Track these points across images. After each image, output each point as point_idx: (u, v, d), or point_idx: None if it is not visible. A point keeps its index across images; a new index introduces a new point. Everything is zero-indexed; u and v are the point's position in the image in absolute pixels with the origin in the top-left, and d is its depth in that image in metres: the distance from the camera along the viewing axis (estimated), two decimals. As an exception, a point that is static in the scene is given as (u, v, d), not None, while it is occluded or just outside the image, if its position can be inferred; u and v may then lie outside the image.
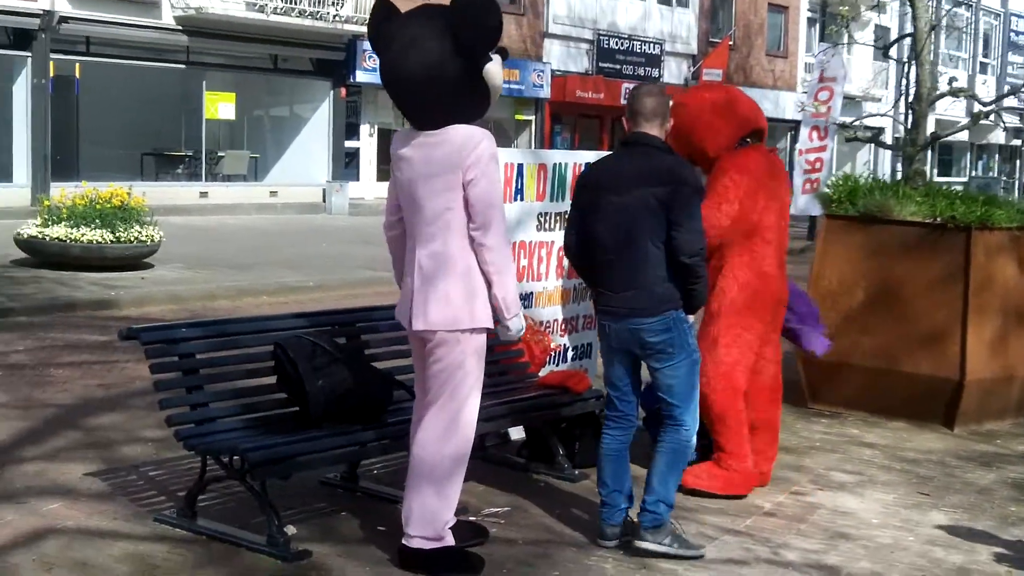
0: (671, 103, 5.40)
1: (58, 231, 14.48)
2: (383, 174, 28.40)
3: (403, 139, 4.90)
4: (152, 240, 15.01)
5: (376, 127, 28.83)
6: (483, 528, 5.41)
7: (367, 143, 28.99)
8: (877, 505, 6.31)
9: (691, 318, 5.32)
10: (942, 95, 9.82)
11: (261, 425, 5.36)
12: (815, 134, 23.49)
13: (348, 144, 28.19)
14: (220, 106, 25.96)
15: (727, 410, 6.19)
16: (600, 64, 33.80)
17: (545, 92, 32.25)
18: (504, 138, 31.95)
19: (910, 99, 9.32)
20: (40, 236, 14.56)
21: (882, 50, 10.45)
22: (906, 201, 8.29)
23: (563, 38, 32.94)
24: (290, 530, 5.25)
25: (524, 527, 5.60)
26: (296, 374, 5.36)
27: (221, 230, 21.75)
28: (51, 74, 22.16)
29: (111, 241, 14.51)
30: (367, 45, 27.35)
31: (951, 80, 9.15)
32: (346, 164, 28.19)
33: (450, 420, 4.83)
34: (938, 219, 8.13)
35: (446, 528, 4.89)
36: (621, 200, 5.14)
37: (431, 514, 4.84)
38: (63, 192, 15.76)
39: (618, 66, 34.29)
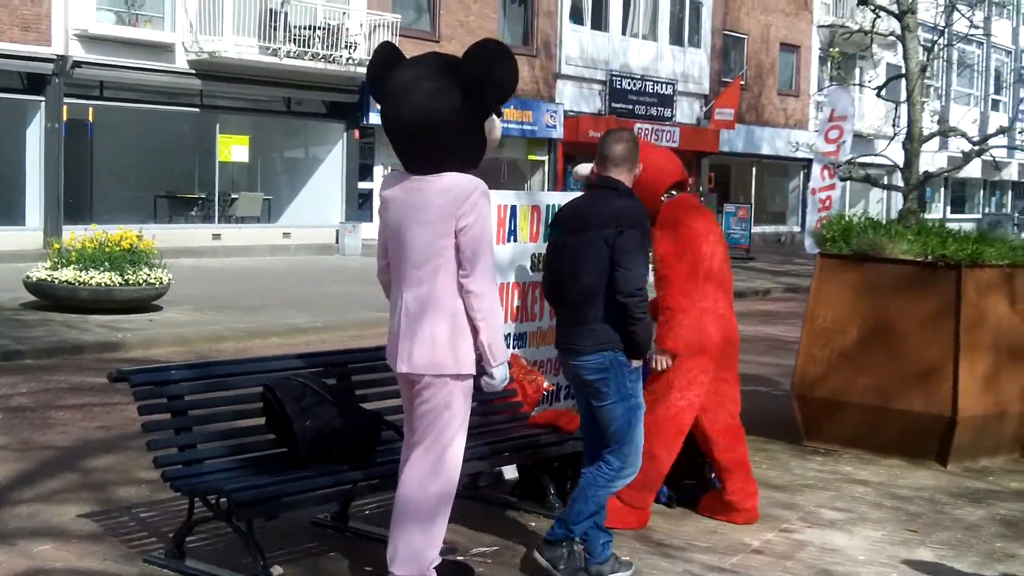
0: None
1: (67, 274, 14.64)
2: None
3: (393, 181, 5.00)
4: (161, 282, 15.14)
5: (390, 168, 28.97)
6: (469, 568, 5.46)
7: (380, 184, 29.17)
8: (865, 542, 6.34)
9: (635, 363, 5.37)
10: (933, 134, 9.89)
11: (249, 466, 5.44)
12: (826, 172, 23.60)
13: (361, 185, 28.37)
14: (234, 148, 26.18)
15: (662, 450, 6.32)
16: (612, 104, 33.97)
17: (558, 132, 32.43)
18: (518, 178, 32.16)
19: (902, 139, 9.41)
20: (49, 279, 14.72)
21: (875, 91, 10.53)
22: (898, 239, 8.35)
23: (576, 79, 33.14)
24: (276, 570, 5.34)
25: (510, 566, 5.65)
26: (284, 415, 5.45)
27: (233, 272, 21.90)
28: (64, 118, 22.39)
29: (120, 284, 14.66)
30: (379, 88, 27.61)
31: (939, 119, 9.20)
32: (359, 205, 28.36)
33: (436, 460, 4.90)
34: (929, 257, 8.18)
35: (431, 568, 4.94)
36: (576, 239, 5.34)
37: (416, 553, 4.89)
38: (72, 235, 15.91)
39: (630, 106, 34.47)
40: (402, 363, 4.89)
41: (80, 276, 14.61)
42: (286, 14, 25.20)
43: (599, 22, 33.94)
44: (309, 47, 25.36)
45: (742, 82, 38.22)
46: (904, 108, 9.34)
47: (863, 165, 9.44)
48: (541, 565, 5.39)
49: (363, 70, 26.22)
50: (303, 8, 25.78)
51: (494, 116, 4.92)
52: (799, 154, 14.62)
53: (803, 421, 8.63)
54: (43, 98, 22.20)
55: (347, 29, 26.26)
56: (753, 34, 39.97)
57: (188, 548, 5.52)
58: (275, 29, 24.79)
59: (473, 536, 6.09)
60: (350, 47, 26.13)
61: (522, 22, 32.14)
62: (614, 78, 33.96)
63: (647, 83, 35.03)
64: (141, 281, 14.88)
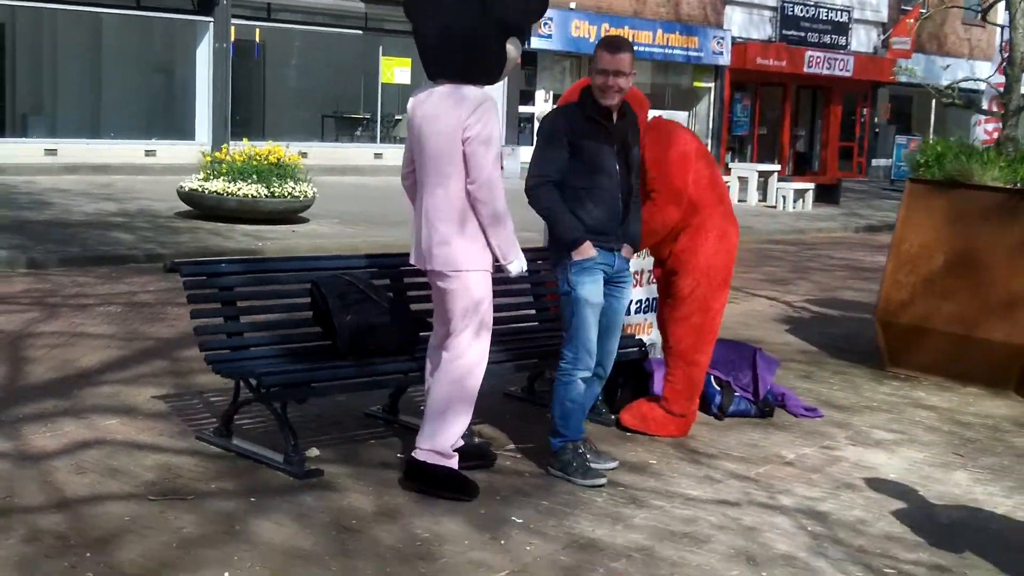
0: None
1: (217, 185, 15.37)
2: (556, 139, 28.68)
3: (420, 91, 5.27)
4: (305, 196, 15.75)
5: (552, 93, 29.16)
6: (491, 453, 5.77)
7: (543, 109, 29.37)
8: (904, 462, 6.37)
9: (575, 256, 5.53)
10: (1036, 59, 9.57)
11: (291, 355, 5.80)
12: (994, 104, 22.81)
13: (522, 110, 28.60)
14: (396, 71, 26.71)
15: (704, 356, 6.64)
16: (784, 31, 33.30)
17: (725, 59, 32.00)
18: (683, 106, 31.89)
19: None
20: (200, 189, 15.48)
21: (979, 14, 10.20)
22: (989, 166, 8.19)
23: (745, 5, 32.58)
24: (312, 452, 5.72)
25: (538, 462, 5.88)
26: (327, 309, 5.79)
27: (388, 190, 22.37)
28: (232, 38, 23.22)
29: (265, 196, 15.33)
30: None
31: None
32: (520, 129, 28.63)
33: (455, 352, 5.21)
34: (1018, 185, 8.02)
35: (450, 448, 5.27)
36: None
37: (437, 432, 5.25)
38: (225, 149, 16.63)
39: (803, 33, 33.72)
40: (421, 261, 5.23)
41: (229, 187, 15.32)
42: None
43: (773, -53, 33.24)
44: (471, -30, 25.57)
45: (922, 11, 36.91)
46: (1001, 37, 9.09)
47: (941, 91, 9.23)
48: (556, 477, 5.65)
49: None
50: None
51: (514, 39, 5.15)
52: (902, 78, 13.92)
53: (886, 347, 8.60)
54: (212, 19, 23.05)
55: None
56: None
57: (239, 428, 5.97)
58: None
59: (517, 433, 6.37)
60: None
61: (692, -53, 31.72)
62: (786, 4, 33.24)
63: (821, 9, 34.19)
64: (286, 194, 15.51)
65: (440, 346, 5.36)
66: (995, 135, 23.52)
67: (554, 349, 5.97)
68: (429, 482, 5.26)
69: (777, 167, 26.40)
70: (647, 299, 7.53)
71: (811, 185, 24.86)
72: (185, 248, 12.94)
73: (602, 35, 28.48)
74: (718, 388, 6.99)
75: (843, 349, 9.27)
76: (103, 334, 8.37)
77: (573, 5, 28.37)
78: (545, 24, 27.59)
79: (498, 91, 27.68)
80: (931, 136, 37.02)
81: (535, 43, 27.60)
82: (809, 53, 33.07)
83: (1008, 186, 8.07)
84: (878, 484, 5.94)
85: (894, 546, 5.09)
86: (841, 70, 33.63)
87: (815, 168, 36.10)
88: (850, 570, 4.79)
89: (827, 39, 34.41)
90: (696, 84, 32.33)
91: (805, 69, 33.11)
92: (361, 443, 6.06)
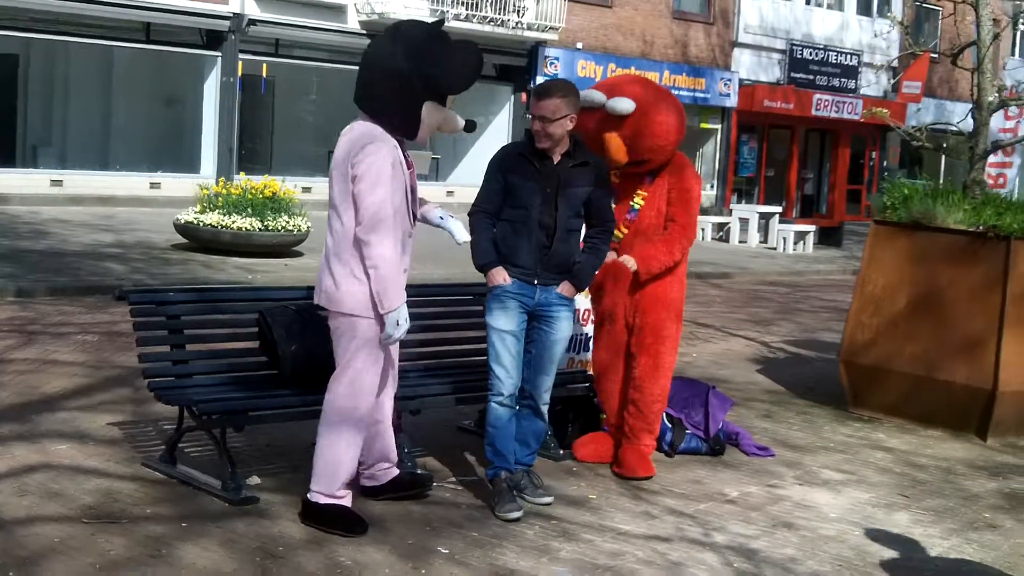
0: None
1: (212, 218, 15.51)
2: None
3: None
4: (299, 230, 15.88)
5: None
6: (424, 483, 5.82)
7: (548, 148, 29.55)
8: (847, 502, 6.40)
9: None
10: (1002, 104, 9.63)
11: (235, 383, 5.89)
12: (1000, 150, 22.89)
13: (529, 148, 28.75)
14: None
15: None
16: (792, 74, 33.42)
17: (732, 101, 32.13)
18: (689, 147, 32.00)
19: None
20: (195, 222, 15.63)
21: (950, 58, 10.32)
22: (953, 209, 8.25)
23: (754, 47, 32.75)
24: (253, 480, 5.82)
25: (479, 495, 5.94)
26: (272, 338, 5.88)
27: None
28: (239, 73, 23.47)
29: (259, 229, 15.45)
30: (549, 51, 27.97)
31: (1000, 88, 8.77)
32: (526, 167, 28.77)
33: (340, 384, 5.25)
34: (980, 227, 8.07)
35: (340, 490, 5.27)
36: None
37: (322, 475, 5.26)
38: (221, 182, 16.79)
39: (811, 76, 33.83)
40: (315, 294, 5.33)
41: (223, 220, 15.46)
42: (458, -23, 25.73)
43: (782, -9, 33.45)
44: (478, 10, 25.83)
45: (933, 55, 37.01)
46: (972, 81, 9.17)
47: (909, 133, 9.29)
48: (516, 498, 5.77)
49: (531, 34, 26.72)
50: (476, -29, 26.28)
51: (435, 108, 5.17)
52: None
53: (849, 387, 8.64)
54: (219, 53, 23.31)
55: (517, -8, 26.66)
56: (947, 7, 38.62)
57: (187, 456, 6.05)
58: (445, -8, 25.36)
59: (461, 466, 6.43)
60: (519, 11, 26.50)
61: (701, -11, 31.95)
62: (795, 47, 33.38)
63: (830, 53, 34.32)
64: (280, 227, 15.64)
65: (330, 381, 5.31)
66: (999, 180, 23.67)
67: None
68: (318, 520, 5.26)
69: (779, 208, 26.48)
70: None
71: (812, 227, 24.92)
72: (173, 279, 13.05)
73: (608, 75, 28.71)
74: (669, 425, 7.04)
75: (811, 389, 9.31)
76: (73, 362, 8.47)
77: (580, 45, 28.58)
78: (551, 64, 27.82)
79: (503, 130, 27.93)
80: (940, 177, 37.12)
81: (541, 82, 27.78)
82: (817, 96, 33.17)
83: (970, 229, 8.11)
84: (816, 524, 5.97)
85: (819, 584, 5.13)
86: (850, 113, 33.70)
87: (823, 211, 36.14)
88: (768, 606, 4.83)
89: (836, 82, 34.51)
90: (703, 125, 32.42)
91: (813, 112, 33.20)
92: (304, 472, 6.11)
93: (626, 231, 6.42)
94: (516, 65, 27.61)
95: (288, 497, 5.63)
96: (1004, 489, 6.92)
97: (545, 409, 6.00)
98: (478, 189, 5.94)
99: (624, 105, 6.23)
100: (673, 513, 5.93)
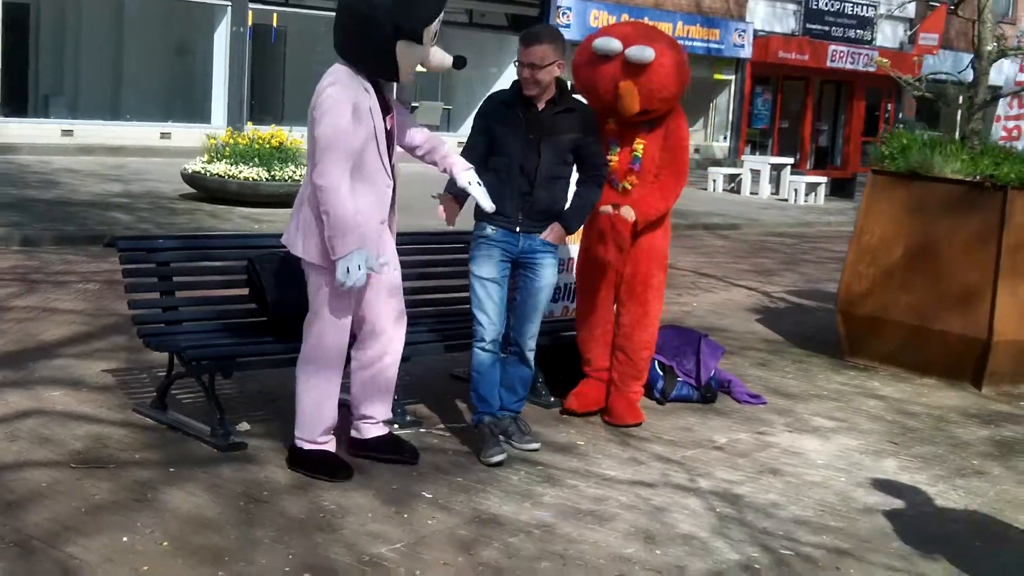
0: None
1: (219, 168, 15.54)
2: (574, 129, 28.75)
3: None
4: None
5: (570, 83, 29.14)
6: (411, 448, 5.70)
7: (560, 98, 29.44)
8: (835, 449, 6.43)
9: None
10: (1002, 54, 9.54)
11: (224, 331, 5.93)
12: (1015, 102, 22.71)
13: (541, 98, 28.64)
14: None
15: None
16: (807, 25, 33.17)
17: (746, 52, 31.93)
18: (702, 98, 31.84)
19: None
20: (202, 172, 15.67)
21: (951, 8, 10.22)
22: (951, 159, 8.21)
23: (769, -2, 32.51)
24: (243, 426, 5.87)
25: (466, 441, 5.98)
26: (261, 285, 5.91)
27: (405, 175, 22.61)
28: (249, 23, 23.40)
29: (266, 179, 15.48)
30: (561, 1, 27.78)
31: (999, 38, 8.65)
32: (537, 117, 28.67)
33: (305, 336, 5.28)
34: (976, 177, 8.04)
35: (321, 436, 5.32)
36: None
37: (302, 421, 5.31)
38: (229, 131, 16.79)
39: (827, 27, 33.58)
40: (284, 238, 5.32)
41: (230, 170, 15.49)
42: (470, -75, 25.57)
43: (799, -61, 33.12)
44: (490, -41, 25.69)
45: (950, 6, 36.64)
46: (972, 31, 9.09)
47: (909, 83, 9.19)
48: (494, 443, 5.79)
49: (544, -17, 26.50)
50: (488, -81, 26.08)
51: (414, 46, 5.09)
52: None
53: (846, 337, 8.65)
54: (229, 3, 23.23)
55: (530, -58, 26.47)
56: (968, -45, 38.20)
57: (178, 402, 6.11)
58: (458, -60, 25.22)
59: (450, 414, 6.48)
60: (533, -40, 26.34)
61: (716, -62, 31.65)
62: (811, -2, 33.13)
63: (846, 4, 34.02)
64: (287, 177, 15.65)
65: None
66: (1014, 132, 23.49)
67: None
68: (303, 466, 5.31)
69: (790, 160, 26.35)
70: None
71: (824, 179, 24.80)
72: (179, 230, 13.09)
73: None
74: (661, 373, 7.06)
75: (809, 338, 9.32)
76: (73, 310, 8.53)
77: (593, -6, 28.41)
78: (564, 13, 27.66)
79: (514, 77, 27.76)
80: (956, 130, 36.85)
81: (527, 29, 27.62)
82: (833, 47, 32.94)
83: (967, 179, 8.08)
84: (802, 470, 6.01)
85: (799, 529, 5.16)
86: (865, 65, 33.43)
87: (837, 163, 35.96)
88: (747, 550, 4.86)
89: (852, 34, 34.25)
90: (716, 76, 32.23)
91: (828, 63, 32.98)
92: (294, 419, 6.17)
93: (635, 181, 6.36)
94: (528, 15, 27.45)
95: (276, 443, 5.68)
96: (995, 437, 6.94)
97: (531, 355, 6.03)
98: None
99: (647, 54, 6.12)
100: (660, 459, 5.97)
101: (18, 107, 22.23)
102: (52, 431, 5.64)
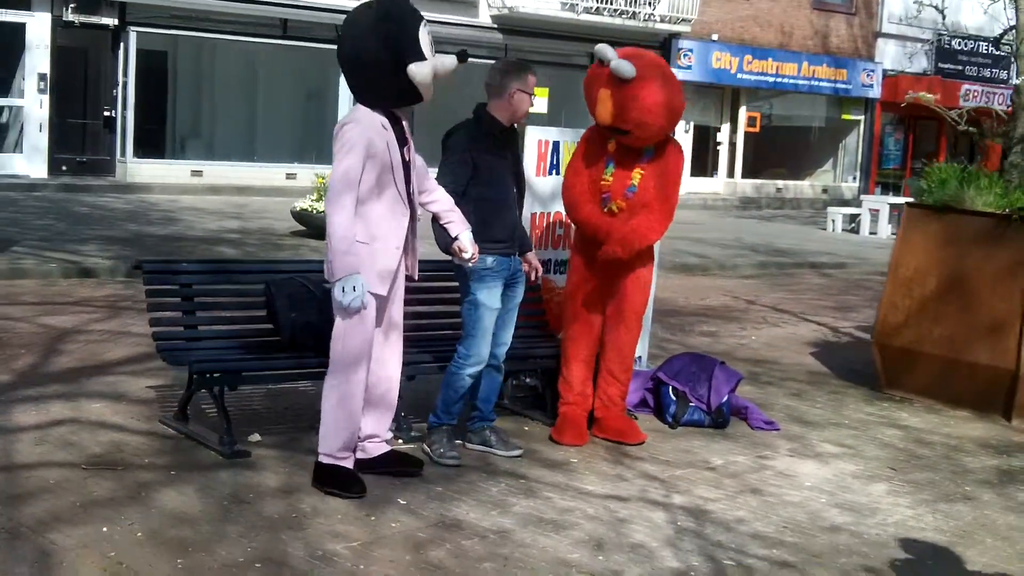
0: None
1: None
2: (697, 168, 28.95)
3: None
4: (407, 216, 16.41)
5: (691, 124, 29.38)
6: (415, 460, 6.08)
7: (682, 140, 29.62)
8: (830, 472, 6.56)
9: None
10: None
11: (238, 348, 6.39)
12: None
13: (666, 140, 28.88)
14: (534, 99, 27.30)
15: None
16: (939, 64, 32.75)
17: (875, 92, 31.69)
18: (830, 138, 31.68)
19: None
20: (310, 209, 16.33)
21: (992, 42, 10.18)
22: (984, 192, 8.27)
23: (898, 37, 32.18)
24: (254, 437, 6.31)
25: (462, 456, 6.29)
26: (274, 307, 6.36)
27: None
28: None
29: (368, 216, 16.03)
30: (683, 43, 28.02)
31: None
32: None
33: (330, 355, 5.63)
34: (1007, 211, 8.08)
35: (342, 451, 5.64)
36: None
37: (324, 437, 5.64)
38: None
39: (960, 67, 33.10)
40: None
41: (334, 208, 16.09)
42: (589, -30, 26.04)
43: (930, -21, 32.74)
44: (609, 3, 26.09)
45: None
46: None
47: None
48: (425, 451, 6.21)
49: (663, 26, 26.85)
50: (608, -36, 26.53)
51: (420, 64, 5.46)
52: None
53: (883, 369, 8.72)
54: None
55: (649, -16, 26.82)
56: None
57: (202, 415, 6.60)
58: (576, -15, 25.71)
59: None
60: (650, 3, 26.67)
61: (844, -20, 31.56)
62: (943, 37, 32.68)
63: (980, 43, 33.47)
64: (388, 214, 16.18)
65: None
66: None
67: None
68: (322, 479, 5.64)
69: (910, 200, 25.96)
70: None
71: (945, 219, 24.42)
72: (278, 263, 13.71)
73: (744, 66, 28.62)
74: (674, 398, 7.29)
75: (855, 371, 9.38)
76: (143, 333, 8.96)
77: (715, 37, 28.58)
78: (685, 56, 27.89)
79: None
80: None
81: (676, 74, 27.87)
82: (966, 87, 32.42)
83: (998, 211, 8.13)
84: (785, 491, 6.17)
85: (753, 543, 5.35)
86: (999, 104, 32.75)
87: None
88: (690, 560, 5.08)
89: (986, 72, 33.67)
90: (844, 116, 32.07)
91: (961, 103, 32.40)
92: (308, 433, 6.56)
93: (623, 205, 6.65)
94: (648, 57, 27.75)
95: (280, 453, 6.10)
96: (1003, 466, 6.97)
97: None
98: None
99: (626, 68, 6.43)
100: (645, 477, 6.20)
101: (154, 150, 23.42)
102: (79, 437, 6.17)
